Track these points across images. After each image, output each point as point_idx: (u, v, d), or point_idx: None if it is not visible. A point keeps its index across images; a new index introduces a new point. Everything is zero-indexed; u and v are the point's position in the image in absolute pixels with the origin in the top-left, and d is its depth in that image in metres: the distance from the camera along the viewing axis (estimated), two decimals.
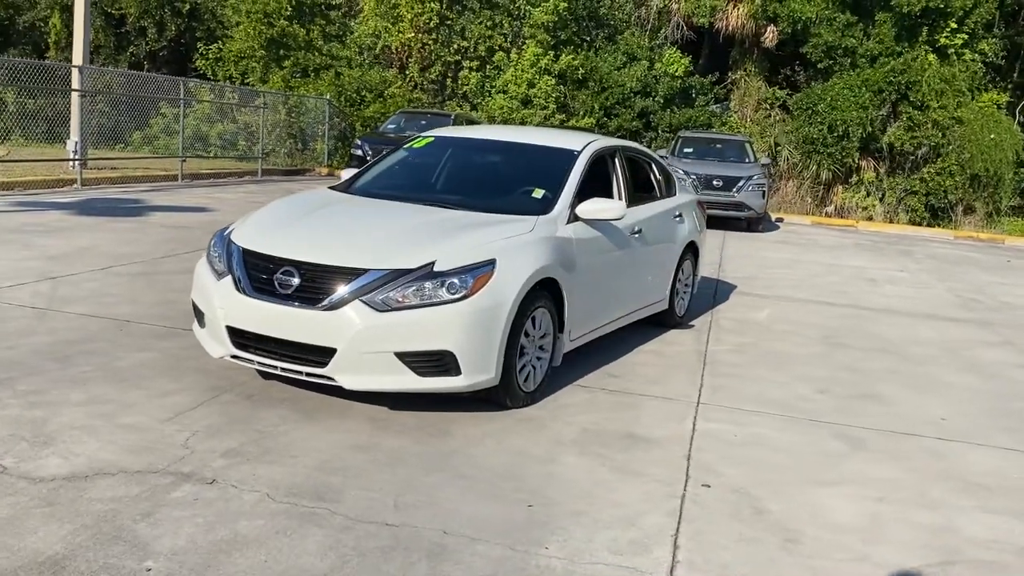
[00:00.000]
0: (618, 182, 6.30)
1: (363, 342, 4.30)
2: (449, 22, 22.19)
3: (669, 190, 7.24)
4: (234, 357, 4.62)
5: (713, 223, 16.13)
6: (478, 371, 4.48)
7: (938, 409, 5.69)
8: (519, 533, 3.42)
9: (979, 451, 4.92)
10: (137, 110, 20.71)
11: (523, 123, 20.77)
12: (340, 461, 3.97)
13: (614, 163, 6.33)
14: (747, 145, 17.53)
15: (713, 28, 23.16)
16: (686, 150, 17.15)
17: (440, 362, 4.39)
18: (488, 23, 22.26)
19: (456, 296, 4.39)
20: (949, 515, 3.99)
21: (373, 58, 23.14)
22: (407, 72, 22.53)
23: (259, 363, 4.53)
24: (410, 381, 4.39)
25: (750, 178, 15.66)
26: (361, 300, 4.32)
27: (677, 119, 21.82)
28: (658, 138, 21.66)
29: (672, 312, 7.19)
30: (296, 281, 4.43)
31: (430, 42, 22.06)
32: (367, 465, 3.96)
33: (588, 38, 23.54)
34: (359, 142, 17.19)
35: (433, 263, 4.45)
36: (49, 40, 23.13)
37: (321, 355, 4.35)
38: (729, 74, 24.36)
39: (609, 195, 6.20)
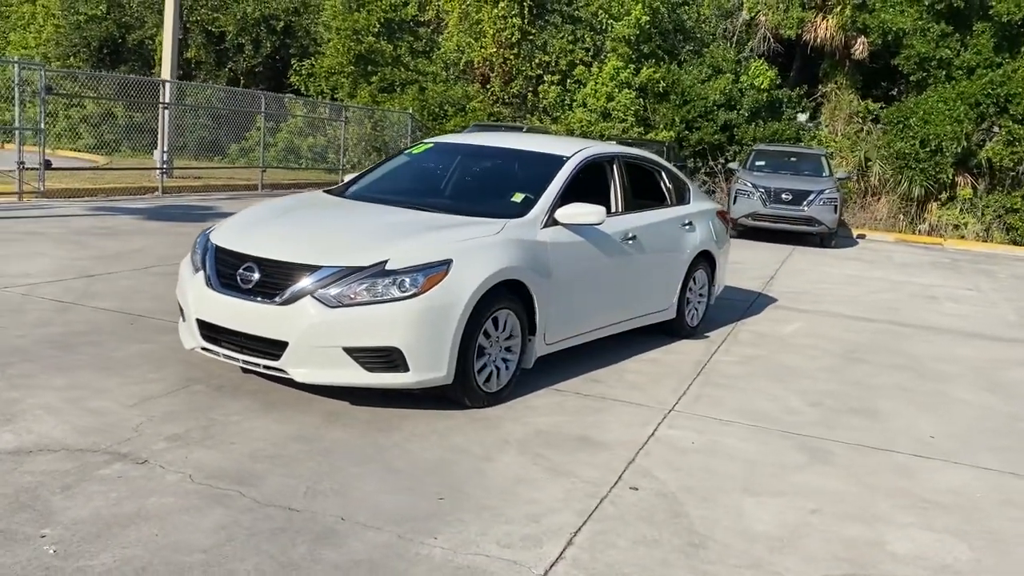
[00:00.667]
0: (615, 189, 6.31)
1: (313, 336, 4.46)
2: (531, 37, 22.40)
3: (680, 198, 7.18)
4: (204, 349, 4.85)
5: (782, 238, 15.88)
6: (427, 369, 4.57)
7: (933, 427, 5.47)
8: (415, 523, 3.50)
9: (954, 469, 4.72)
10: (235, 123, 21.73)
11: (602, 136, 20.76)
12: (276, 450, 4.13)
13: (611, 170, 6.34)
14: (823, 159, 17.06)
15: (801, 40, 22.64)
16: (758, 163, 16.83)
17: (388, 358, 4.51)
18: (570, 37, 22.37)
19: (406, 294, 4.51)
20: (882, 530, 3.86)
21: (459, 73, 23.55)
22: (489, 86, 22.84)
23: (224, 355, 4.75)
24: (358, 376, 4.52)
25: (821, 192, 15.24)
26: (313, 296, 4.48)
27: (762, 133, 21.43)
28: (741, 152, 21.31)
29: (682, 322, 7.11)
30: (256, 277, 4.63)
31: (512, 57, 22.32)
32: (300, 455, 4.10)
33: (673, 51, 23.36)
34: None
35: (386, 261, 4.57)
36: (156, 57, 24.44)
37: (276, 348, 4.53)
38: (819, 87, 23.77)
39: (604, 202, 6.21)
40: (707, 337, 7.40)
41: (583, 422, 4.93)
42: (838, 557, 3.56)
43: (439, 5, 23.69)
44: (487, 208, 5.51)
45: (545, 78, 22.68)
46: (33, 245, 8.79)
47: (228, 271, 4.75)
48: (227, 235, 5.01)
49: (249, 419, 4.50)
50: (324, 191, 6.19)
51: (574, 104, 22.43)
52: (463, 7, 22.60)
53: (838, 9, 21.66)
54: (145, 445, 4.04)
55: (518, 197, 5.61)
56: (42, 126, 12.53)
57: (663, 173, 7.13)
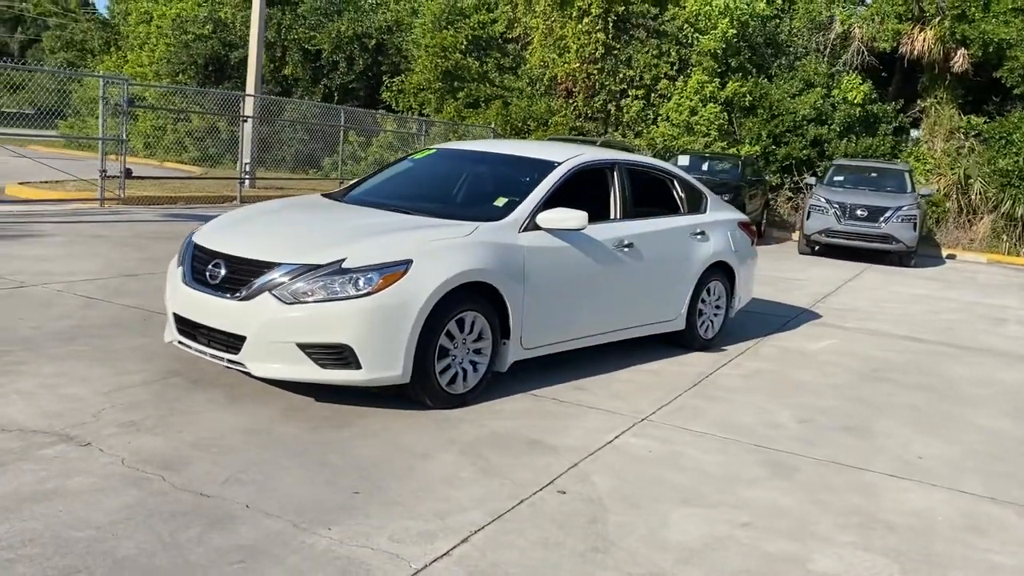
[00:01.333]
0: (614, 196, 6.25)
1: (269, 331, 4.58)
2: (615, 52, 22.34)
3: (693, 208, 7.04)
4: (180, 343, 5.04)
5: (859, 256, 15.30)
6: (381, 367, 4.63)
7: (927, 448, 5.19)
8: (318, 515, 3.54)
9: (926, 491, 4.46)
10: (330, 138, 22.49)
11: (683, 150, 20.49)
12: (218, 440, 4.25)
13: (611, 177, 6.28)
14: (906, 175, 16.38)
15: (897, 53, 21.82)
16: (836, 178, 16.30)
17: (340, 355, 4.58)
18: (655, 52, 22.20)
19: (360, 292, 4.58)
20: (812, 548, 3.69)
21: (545, 88, 23.67)
22: (572, 101, 22.88)
23: (195, 349, 4.92)
24: (312, 372, 4.62)
25: (899, 209, 14.63)
26: (271, 292, 4.61)
27: (854, 148, 20.74)
28: None
29: (693, 333, 6.96)
30: (223, 273, 4.79)
31: (595, 71, 22.30)
32: (240, 445, 4.21)
33: (762, 64, 22.89)
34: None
35: (343, 260, 4.66)
36: None
37: (236, 342, 4.67)
38: (919, 101, 22.84)
39: (601, 208, 6.17)
40: (723, 350, 7.21)
41: (544, 427, 4.89)
42: (749, 571, 3.43)
43: (526, 22, 23.90)
44: (470, 211, 5.55)
45: (629, 92, 22.56)
46: (94, 247, 9.30)
47: (200, 267, 4.93)
48: (206, 233, 5.20)
49: (209, 411, 4.64)
50: (322, 195, 6.34)
51: (658, 118, 22.23)
52: (547, 23, 22.74)
53: (936, 20, 20.80)
54: (96, 430, 4.22)
55: (501, 201, 5.63)
56: (124, 137, 13.24)
57: (675, 182, 7.01)
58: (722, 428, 5.18)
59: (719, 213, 7.31)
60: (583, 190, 6.01)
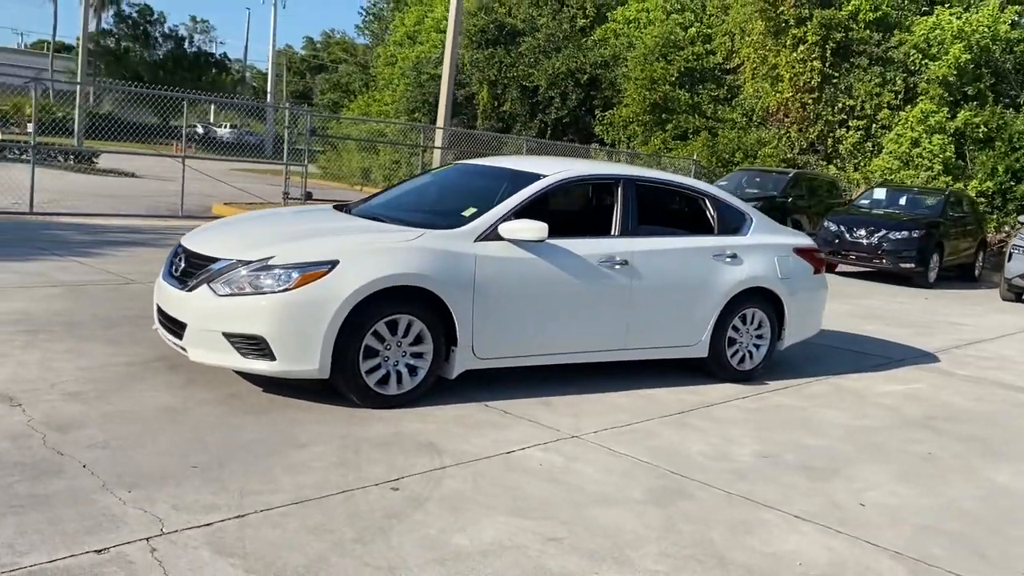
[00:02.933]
0: (615, 212, 6.09)
1: (203, 320, 4.99)
2: (834, 80, 21.19)
3: (728, 229, 6.64)
4: (156, 329, 5.59)
5: None
6: (295, 360, 4.88)
7: (887, 497, 4.59)
8: (135, 479, 3.83)
9: (821, 537, 3.97)
10: None
11: (880, 183, 18.98)
12: (130, 414, 4.66)
13: (614, 193, 6.12)
14: None
15: None
16: None
17: (258, 346, 4.89)
18: (877, 80, 20.79)
19: (278, 288, 4.87)
20: (600, 570, 3.44)
21: (760, 119, 22.92)
22: (785, 132, 21.94)
23: (162, 334, 5.44)
24: (235, 360, 4.96)
25: None
26: (208, 284, 5.02)
27: None
28: None
29: (720, 362, 6.54)
30: (182, 266, 5.28)
31: (810, 101, 21.28)
32: (145, 420, 4.59)
33: (1007, 92, 20.71)
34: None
35: (271, 257, 4.98)
36: (479, 110, 26.87)
37: (180, 329, 5.13)
38: None
39: (600, 224, 6.05)
40: (764, 384, 6.72)
41: (456, 434, 4.88)
42: None
43: (741, 52, 23.31)
44: (442, 221, 5.65)
45: (850, 123, 21.27)
46: None
47: (171, 261, 5.46)
48: (193, 233, 5.74)
49: (155, 390, 5.12)
50: (334, 206, 6.70)
51: (880, 150, 20.77)
52: (759, 52, 22.04)
53: None
54: (40, 396, 4.81)
55: (470, 211, 5.69)
56: (305, 163, 14.57)
57: (705, 201, 6.66)
58: (653, 454, 4.88)
59: (766, 236, 6.83)
60: (579, 205, 5.94)
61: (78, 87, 29.00)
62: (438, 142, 17.75)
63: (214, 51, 59.84)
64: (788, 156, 21.69)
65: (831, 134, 21.53)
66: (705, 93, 23.98)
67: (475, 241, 5.43)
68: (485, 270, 5.39)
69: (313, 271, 4.92)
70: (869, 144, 21.11)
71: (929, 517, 4.37)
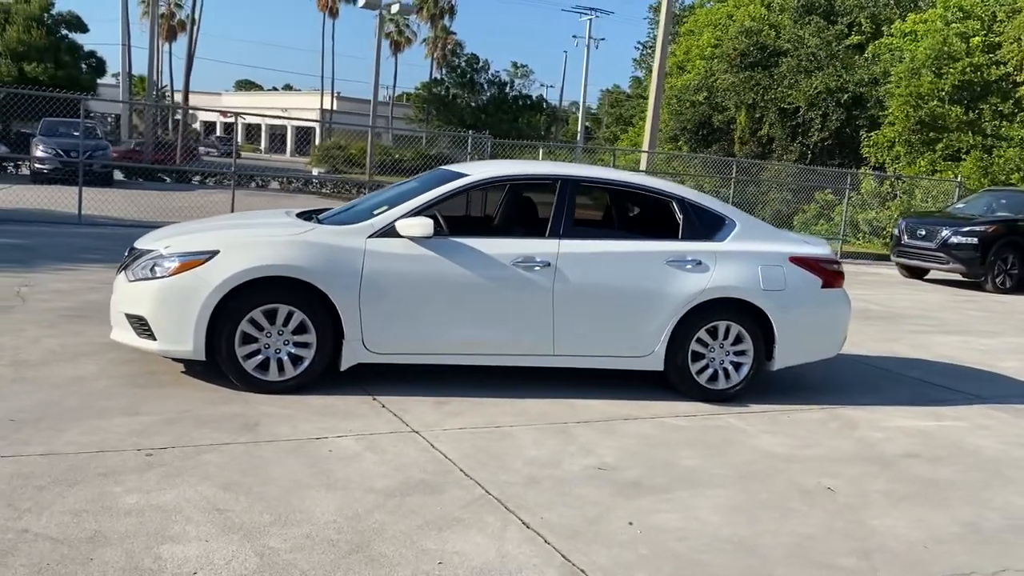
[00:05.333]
0: (552, 212, 5.87)
1: (116, 303, 5.65)
2: None
3: (697, 233, 6.05)
4: None
5: None
6: (172, 341, 5.34)
7: (673, 522, 4.02)
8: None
9: (534, 547, 3.62)
10: (806, 197, 22.35)
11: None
12: (75, 399, 5.06)
13: (552, 194, 5.90)
14: None
15: None
16: None
17: (143, 326, 5.41)
18: None
19: (159, 275, 5.38)
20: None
21: None
22: None
23: None
24: (132, 339, 5.52)
25: None
26: (125, 271, 5.66)
27: None
28: None
29: (682, 377, 5.99)
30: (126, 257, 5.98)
31: None
32: (94, 401, 5.08)
33: None
34: (901, 223, 15.52)
35: (167, 247, 5.50)
36: (736, 135, 25.98)
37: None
38: None
39: (531, 224, 5.91)
40: (744, 406, 6.03)
41: (299, 419, 5.01)
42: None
43: None
44: (353, 219, 5.85)
45: None
46: None
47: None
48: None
49: (120, 365, 5.79)
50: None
51: None
52: None
53: None
54: (7, 364, 5.67)
55: (380, 209, 5.81)
56: None
57: (672, 204, 6.13)
58: (474, 454, 4.68)
59: (750, 243, 6.13)
60: (512, 206, 5.84)
61: (369, 130, 32.07)
62: (642, 165, 17.55)
63: (531, 94, 63.54)
64: None
65: None
66: (987, 108, 21.28)
67: (370, 237, 5.56)
68: (375, 265, 5.49)
69: (192, 259, 5.36)
70: None
71: (695, 543, 3.78)
